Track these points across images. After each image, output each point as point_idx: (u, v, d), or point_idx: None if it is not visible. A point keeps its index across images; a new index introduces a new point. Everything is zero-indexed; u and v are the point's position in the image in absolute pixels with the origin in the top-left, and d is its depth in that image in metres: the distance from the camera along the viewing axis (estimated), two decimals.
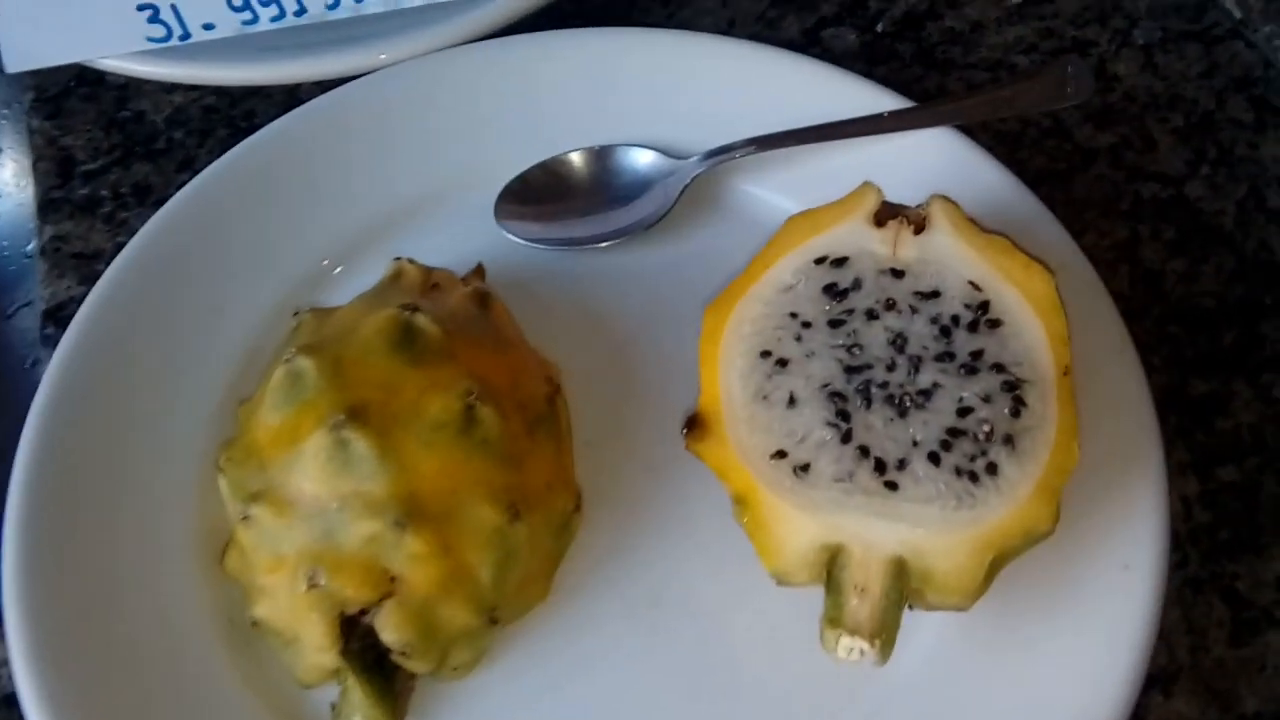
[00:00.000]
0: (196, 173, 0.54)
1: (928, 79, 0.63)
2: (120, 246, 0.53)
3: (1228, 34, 0.64)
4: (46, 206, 0.60)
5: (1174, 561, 0.48)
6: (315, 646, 0.42)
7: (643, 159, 0.56)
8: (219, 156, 0.55)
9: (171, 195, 0.53)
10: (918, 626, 0.44)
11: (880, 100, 0.55)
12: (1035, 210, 0.51)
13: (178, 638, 0.45)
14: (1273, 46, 0.62)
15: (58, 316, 0.57)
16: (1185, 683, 0.46)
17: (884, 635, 0.39)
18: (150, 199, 0.60)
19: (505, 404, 0.44)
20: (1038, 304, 0.44)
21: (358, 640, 0.42)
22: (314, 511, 0.42)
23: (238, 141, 0.55)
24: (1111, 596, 0.43)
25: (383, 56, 0.58)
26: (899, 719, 0.43)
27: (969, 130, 0.55)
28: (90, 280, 0.57)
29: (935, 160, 0.53)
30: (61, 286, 0.57)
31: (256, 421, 0.44)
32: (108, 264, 0.52)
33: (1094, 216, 0.58)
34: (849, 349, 0.44)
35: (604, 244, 0.54)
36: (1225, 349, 0.54)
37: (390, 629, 0.41)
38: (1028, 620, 0.44)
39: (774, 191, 0.55)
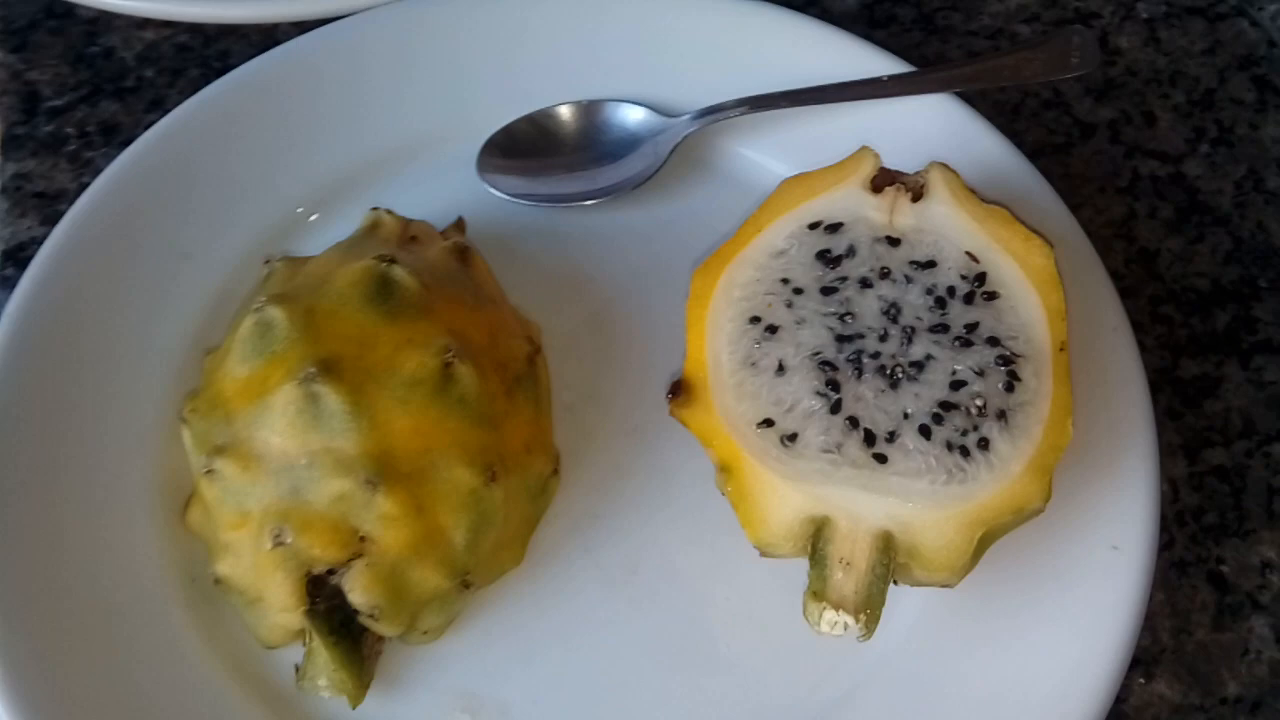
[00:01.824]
0: (166, 113, 0.52)
1: (927, 45, 0.62)
2: (85, 187, 0.51)
3: (1233, 11, 0.63)
4: (9, 143, 0.57)
5: (1160, 543, 0.48)
6: (279, 606, 0.40)
7: (633, 115, 0.54)
8: (190, 97, 0.52)
9: (139, 135, 0.51)
10: (900, 601, 0.43)
11: (879, 64, 0.53)
12: (1034, 182, 0.50)
13: (136, 593, 0.43)
14: (1277, 25, 0.61)
15: (18, 257, 0.54)
16: (1167, 665, 0.46)
17: (869, 610, 0.38)
18: (117, 139, 0.57)
19: (484, 362, 0.43)
20: (1036, 277, 0.43)
21: (324, 600, 0.41)
22: (281, 467, 0.40)
23: (210, 82, 0.53)
24: (1099, 577, 0.42)
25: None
26: (879, 694, 0.42)
27: (969, 98, 0.54)
28: (53, 221, 0.54)
29: (934, 127, 0.52)
30: (22, 226, 0.55)
31: (224, 372, 0.42)
32: (71, 204, 0.49)
33: (1091, 192, 0.57)
34: (841, 317, 0.43)
35: (590, 202, 0.53)
36: (1218, 331, 0.53)
37: (359, 590, 0.40)
38: (1013, 598, 0.43)
39: (767, 154, 0.54)
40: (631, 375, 0.49)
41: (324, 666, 0.41)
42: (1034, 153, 0.58)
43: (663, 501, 0.47)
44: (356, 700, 0.41)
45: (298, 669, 0.42)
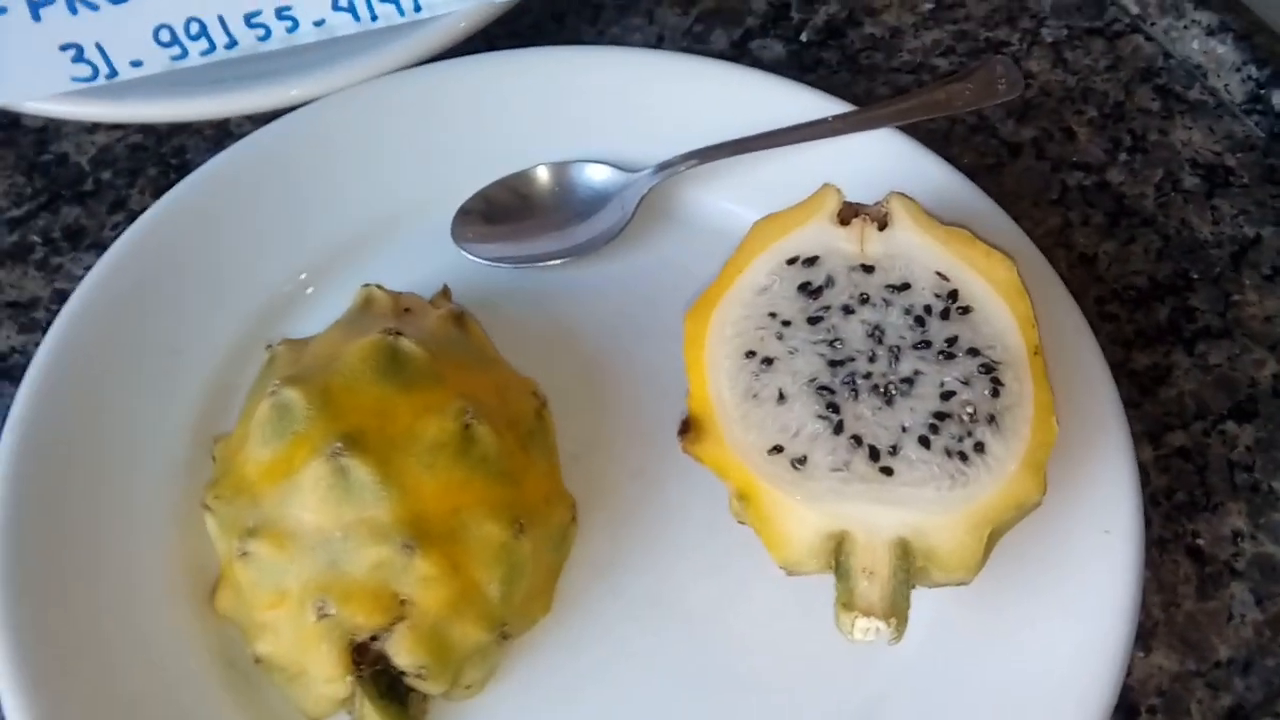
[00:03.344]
0: (130, 212, 0.53)
1: (856, 84, 0.65)
2: (58, 293, 0.51)
3: (1127, 28, 0.68)
4: None
5: None
6: (325, 677, 0.41)
7: (598, 174, 0.56)
8: (152, 196, 0.54)
9: (106, 237, 0.52)
10: (914, 606, 0.45)
11: (820, 105, 0.57)
12: (981, 202, 0.54)
13: (173, 685, 0.44)
14: (1170, 39, 0.66)
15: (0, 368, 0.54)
16: (1162, 638, 0.49)
17: (897, 613, 0.40)
18: (84, 242, 0.58)
19: (498, 421, 0.44)
20: (1003, 289, 0.46)
21: (369, 666, 0.41)
22: (317, 542, 0.41)
23: (169, 179, 0.55)
24: (1096, 560, 0.45)
25: (321, 86, 0.58)
26: (906, 696, 0.45)
27: (907, 130, 0.57)
28: (30, 329, 0.55)
29: (882, 160, 0.55)
30: (0, 336, 0.55)
31: (244, 457, 0.43)
32: (47, 311, 0.50)
33: (1026, 206, 0.61)
34: (830, 343, 0.45)
35: (565, 260, 0.55)
36: (1161, 323, 0.57)
37: (404, 652, 0.41)
38: (1018, 589, 0.45)
39: (728, 199, 0.57)
40: (629, 420, 0.51)
41: None
42: (969, 174, 0.61)
43: (675, 535, 0.48)
44: None
45: None
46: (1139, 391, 0.55)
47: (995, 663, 0.44)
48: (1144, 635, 0.49)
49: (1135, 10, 0.68)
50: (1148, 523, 0.51)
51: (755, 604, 0.47)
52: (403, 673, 0.41)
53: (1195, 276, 0.58)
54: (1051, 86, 0.66)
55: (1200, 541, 0.51)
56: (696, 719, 0.45)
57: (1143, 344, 0.56)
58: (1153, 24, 0.67)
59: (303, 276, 0.54)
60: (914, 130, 0.62)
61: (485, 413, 0.44)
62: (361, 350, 0.44)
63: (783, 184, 0.53)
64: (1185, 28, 0.66)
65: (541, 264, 0.55)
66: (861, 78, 0.66)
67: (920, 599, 0.45)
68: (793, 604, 0.46)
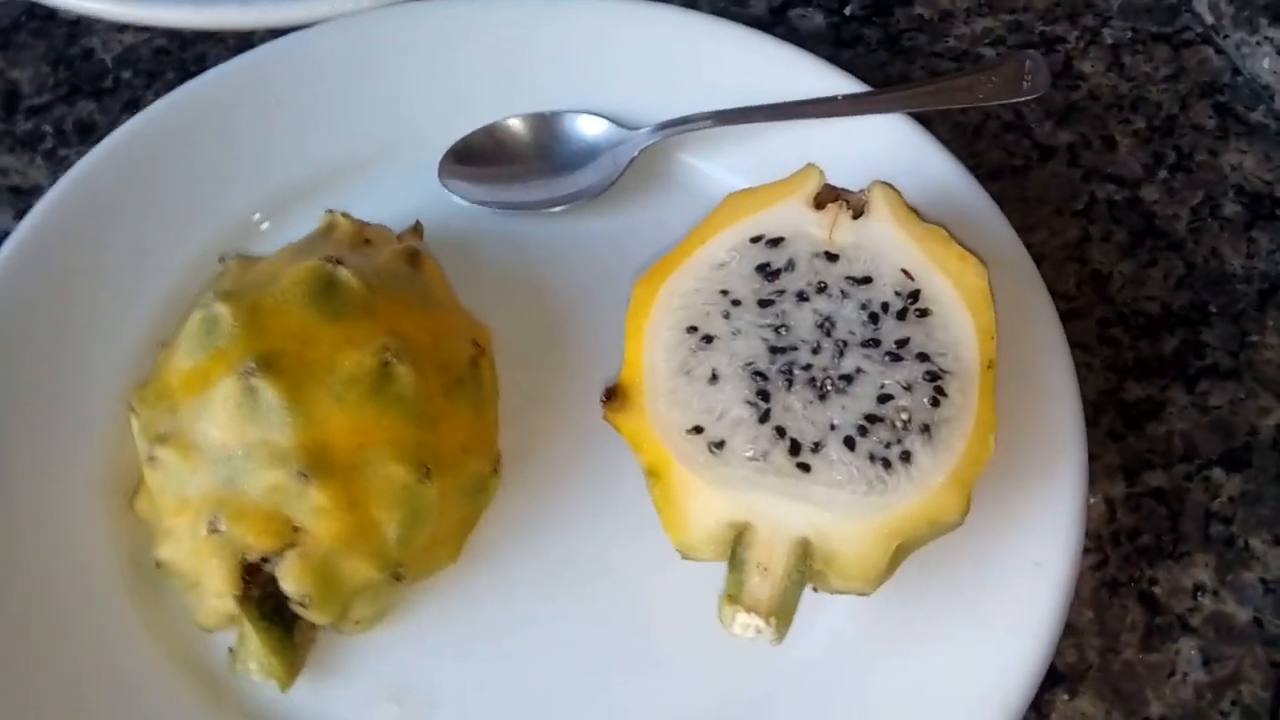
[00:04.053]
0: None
1: (891, 66, 0.63)
2: None
3: (1198, 38, 0.63)
4: None
5: (1093, 563, 0.48)
6: (215, 591, 0.41)
7: (593, 127, 0.55)
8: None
9: None
10: (823, 608, 0.44)
11: (836, 83, 0.54)
12: (982, 203, 0.51)
13: (81, 576, 0.45)
14: (1241, 54, 0.62)
15: None
16: (1092, 683, 0.46)
17: (781, 614, 0.39)
18: (92, 137, 0.59)
19: (424, 363, 0.44)
20: (969, 296, 0.44)
21: (259, 587, 0.42)
22: (219, 457, 0.41)
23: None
24: (1020, 592, 0.43)
25: (348, 5, 0.57)
26: (799, 697, 0.43)
27: (927, 119, 0.54)
28: (25, 214, 0.56)
29: (887, 147, 0.53)
30: None
31: (171, 365, 0.43)
32: None
33: (1047, 214, 0.58)
34: (776, 329, 0.44)
35: (547, 210, 0.54)
36: (1165, 355, 0.53)
37: (290, 579, 0.41)
38: (936, 610, 0.43)
39: (723, 168, 0.55)
40: (580, 381, 0.50)
41: (255, 651, 0.42)
42: (992, 174, 0.59)
43: (602, 504, 0.47)
44: (286, 685, 0.42)
45: (231, 652, 0.43)
46: (1125, 424, 0.52)
47: (897, 679, 0.43)
48: (1074, 677, 0.46)
49: (1210, 20, 0.63)
50: (1103, 562, 0.48)
51: (666, 585, 0.46)
52: (289, 599, 0.41)
53: (1214, 310, 0.55)
54: (1101, 91, 0.62)
55: (1156, 590, 0.48)
56: (584, 690, 0.44)
57: (1140, 374, 0.53)
58: (1225, 36, 0.63)
59: (283, 198, 0.54)
60: (941, 121, 0.59)
61: (412, 353, 0.43)
62: (297, 274, 0.44)
63: (782, 159, 0.51)
64: (1258, 44, 0.61)
65: (522, 211, 0.54)
66: (899, 59, 0.63)
67: (832, 603, 0.44)
68: (706, 589, 0.45)
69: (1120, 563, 0.48)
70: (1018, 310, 0.48)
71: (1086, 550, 0.48)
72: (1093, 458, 0.50)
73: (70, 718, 0.42)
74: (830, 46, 0.63)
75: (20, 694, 0.42)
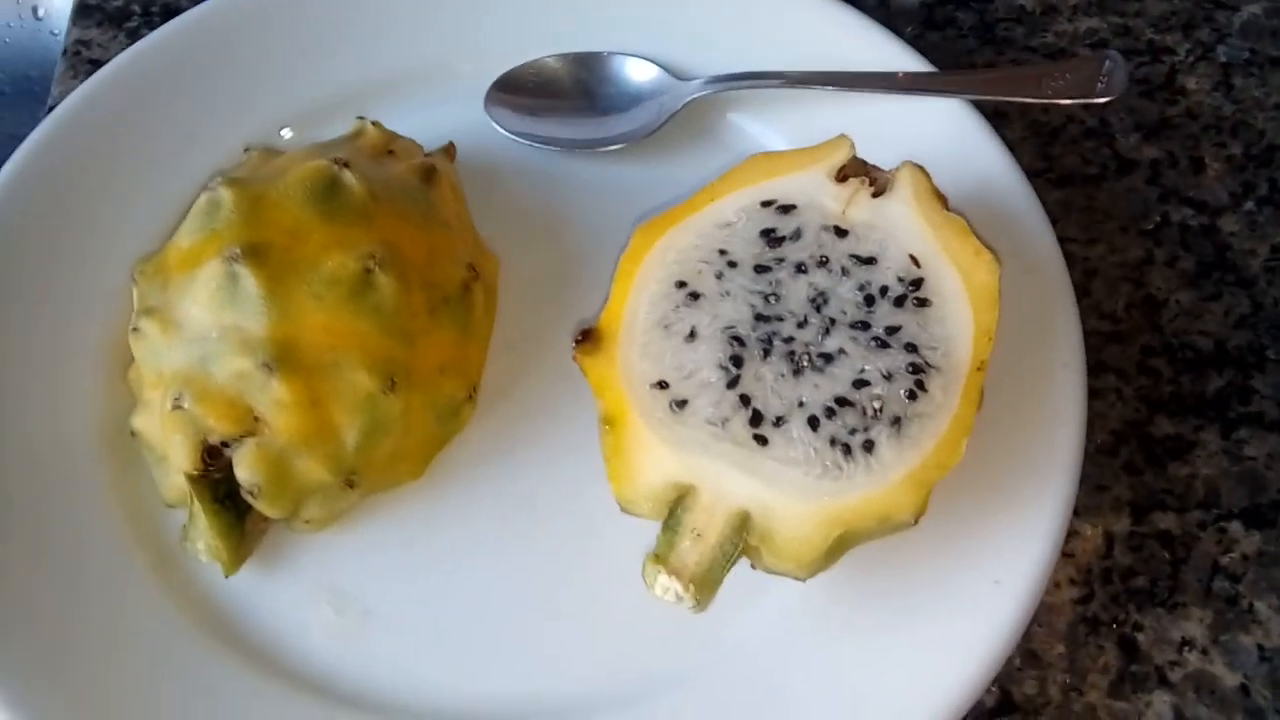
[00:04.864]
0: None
1: (980, 54, 0.60)
2: None
3: None
4: (80, 11, 0.61)
5: (1076, 596, 0.46)
6: (177, 466, 0.42)
7: (643, 72, 0.54)
8: None
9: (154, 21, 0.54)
10: (770, 593, 0.43)
11: (902, 59, 0.52)
12: (1027, 204, 0.48)
13: (68, 438, 0.46)
14: None
15: None
16: (1048, 719, 0.43)
17: (704, 584, 0.38)
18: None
19: (411, 278, 0.44)
20: (975, 293, 0.42)
21: (219, 470, 0.42)
22: (194, 336, 0.42)
23: None
24: (972, 609, 0.40)
25: None
26: (724, 678, 0.42)
27: (1002, 113, 0.52)
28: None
29: (939, 131, 0.50)
30: (72, 88, 0.58)
31: (172, 241, 0.45)
32: None
33: (1111, 229, 0.54)
34: (766, 297, 0.42)
35: (584, 150, 0.53)
36: (1207, 394, 0.50)
37: (244, 466, 0.42)
38: (884, 614, 0.42)
39: (767, 130, 0.53)
40: (576, 323, 0.49)
41: (204, 531, 0.43)
42: (1063, 179, 0.56)
43: (575, 445, 0.47)
44: (230, 570, 0.43)
45: (183, 528, 0.44)
46: (1145, 459, 0.48)
47: (830, 677, 0.41)
48: (1029, 710, 0.44)
49: None
50: (1088, 597, 0.46)
51: (621, 538, 0.45)
52: (240, 486, 0.42)
53: (1271, 357, 0.51)
54: (1201, 110, 0.58)
55: (1140, 636, 0.45)
56: (516, 627, 0.44)
57: (1174, 410, 0.49)
58: None
59: (328, 108, 0.54)
60: (1018, 117, 0.57)
61: (400, 266, 0.43)
62: (304, 171, 0.44)
63: (830, 130, 0.49)
64: None
65: (560, 148, 0.53)
66: (989, 48, 0.60)
67: (778, 588, 0.42)
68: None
69: (1106, 601, 0.45)
70: (1040, 319, 0.46)
71: (1071, 582, 0.46)
72: (1102, 488, 0.48)
73: (22, 571, 0.43)
74: (921, 25, 0.61)
75: None
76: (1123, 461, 0.48)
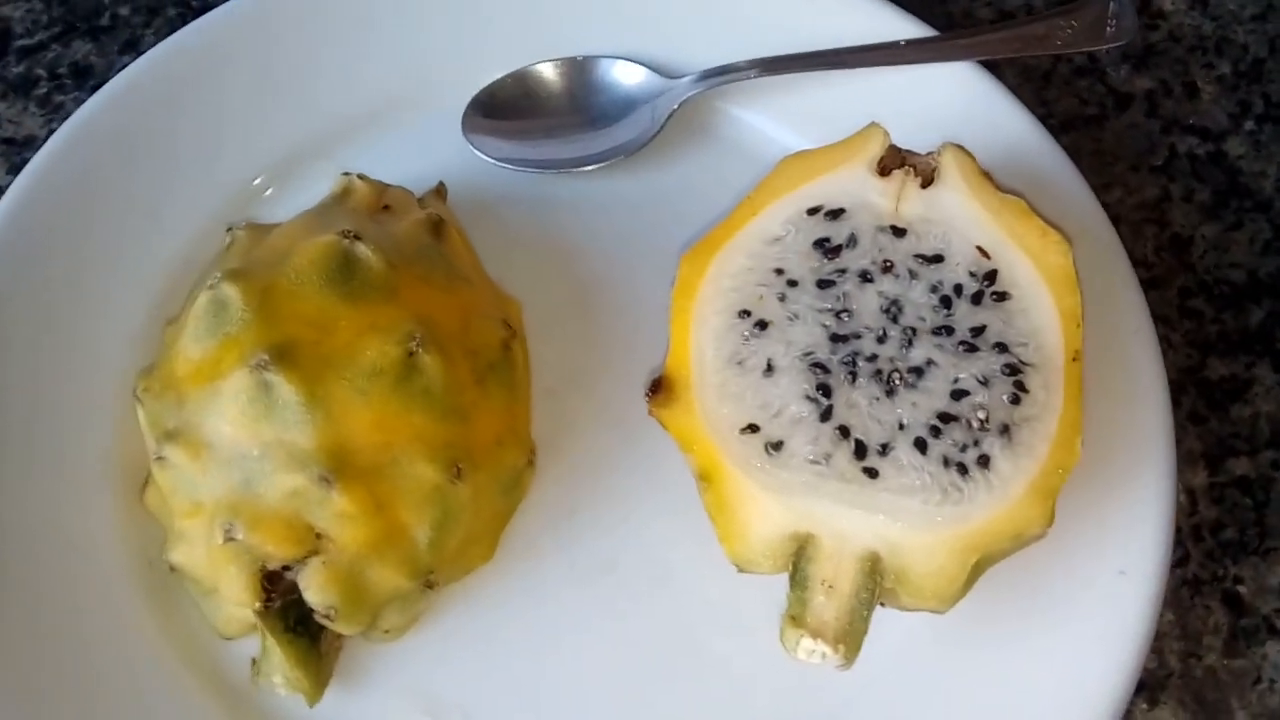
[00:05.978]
0: (140, 55, 0.49)
1: (953, 3, 0.57)
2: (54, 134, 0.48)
3: None
4: None
5: (1173, 560, 0.45)
6: (235, 600, 0.38)
7: (630, 75, 0.50)
8: (165, 38, 0.49)
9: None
10: (892, 620, 0.41)
11: (899, 27, 0.49)
12: (1060, 164, 0.46)
13: (91, 574, 0.42)
14: None
15: None
16: (1173, 691, 0.43)
17: (849, 639, 0.36)
18: (89, 82, 0.55)
19: (453, 350, 0.40)
20: (1051, 277, 0.40)
21: (281, 595, 0.38)
22: (232, 457, 0.38)
23: (188, 22, 0.50)
24: (1103, 604, 0.39)
25: None
26: (863, 716, 0.40)
27: (994, 65, 0.50)
28: (19, 169, 0.52)
29: (953, 98, 0.48)
30: None
31: (177, 350, 0.40)
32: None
33: (1122, 170, 0.53)
34: (837, 314, 0.40)
35: (581, 169, 0.49)
36: (1251, 328, 0.49)
37: (314, 589, 0.38)
38: (1009, 622, 0.40)
39: (774, 121, 0.50)
40: (617, 359, 0.46)
41: (279, 664, 0.39)
42: (1063, 125, 0.54)
43: (645, 496, 0.44)
44: (314, 699, 0.39)
45: (254, 662, 0.40)
46: (1207, 405, 0.48)
47: (968, 698, 0.40)
48: (1154, 685, 0.43)
49: None
50: (1184, 559, 0.45)
51: (720, 585, 0.42)
52: (313, 610, 0.38)
53: None
54: (1183, 31, 0.57)
55: (1241, 589, 0.45)
56: (631, 700, 0.41)
57: (1224, 350, 0.49)
58: None
59: (297, 153, 0.50)
60: (1008, 65, 0.55)
61: (439, 338, 0.40)
62: (313, 251, 0.40)
63: (838, 111, 0.47)
64: None
65: (553, 171, 0.49)
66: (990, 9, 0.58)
67: (892, 616, 0.40)
68: (761, 591, 0.41)
69: (1203, 559, 0.45)
70: (1098, 286, 0.44)
71: None
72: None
73: None
74: None
75: (27, 700, 0.39)
76: (1186, 412, 0.48)
